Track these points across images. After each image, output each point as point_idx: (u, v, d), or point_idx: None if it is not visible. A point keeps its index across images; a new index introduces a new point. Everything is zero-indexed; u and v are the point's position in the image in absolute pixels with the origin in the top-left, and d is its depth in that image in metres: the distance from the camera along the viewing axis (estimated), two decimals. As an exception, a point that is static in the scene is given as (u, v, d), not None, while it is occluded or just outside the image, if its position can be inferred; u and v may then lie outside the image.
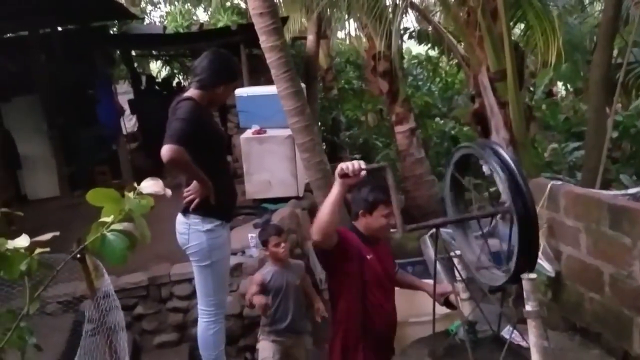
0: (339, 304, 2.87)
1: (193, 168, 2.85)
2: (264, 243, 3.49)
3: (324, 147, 7.94)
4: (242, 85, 7.59)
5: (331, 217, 2.46)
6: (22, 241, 1.33)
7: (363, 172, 2.32)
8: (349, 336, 2.83)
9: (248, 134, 6.35)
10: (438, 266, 2.79)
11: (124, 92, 10.72)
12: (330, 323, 3.06)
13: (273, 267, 3.45)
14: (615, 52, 6.55)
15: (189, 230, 3.01)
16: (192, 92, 3.01)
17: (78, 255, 1.75)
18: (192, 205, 2.94)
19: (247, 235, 4.66)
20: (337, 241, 2.63)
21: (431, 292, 2.74)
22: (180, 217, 3.06)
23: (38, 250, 1.37)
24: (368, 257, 2.83)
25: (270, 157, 6.12)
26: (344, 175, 2.34)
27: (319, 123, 9.60)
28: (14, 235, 1.45)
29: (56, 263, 1.49)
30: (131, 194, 1.41)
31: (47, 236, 1.35)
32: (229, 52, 3.21)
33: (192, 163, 2.83)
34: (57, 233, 1.36)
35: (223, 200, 3.04)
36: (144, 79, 10.45)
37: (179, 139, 2.76)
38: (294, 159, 6.09)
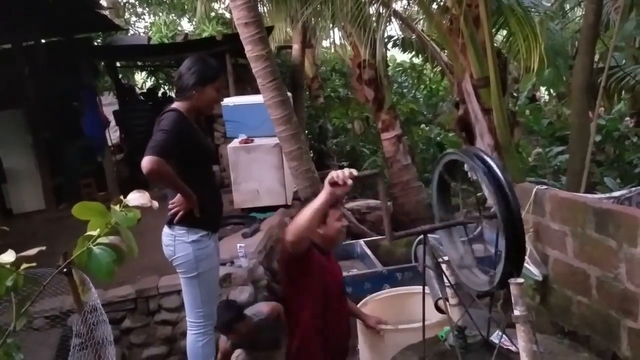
0: (299, 313, 2.84)
1: (175, 180, 2.83)
2: (225, 330, 3.33)
3: (311, 155, 7.95)
4: (228, 95, 7.60)
5: (311, 223, 2.46)
6: (8, 257, 1.32)
7: (350, 181, 2.29)
8: (308, 344, 2.85)
9: (235, 143, 6.35)
10: (429, 272, 2.80)
11: (108, 104, 10.66)
12: (288, 331, 3.07)
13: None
14: (596, 57, 6.64)
15: (174, 242, 2.98)
16: (176, 104, 3.01)
17: (64, 270, 1.74)
18: (177, 218, 2.91)
19: (236, 245, 4.64)
20: (306, 248, 2.64)
21: (367, 322, 3.11)
22: (165, 229, 3.04)
23: (24, 266, 1.36)
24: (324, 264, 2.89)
25: (258, 166, 6.12)
26: (334, 184, 2.31)
27: (306, 131, 9.61)
28: (0, 249, 1.43)
29: (43, 277, 1.48)
30: (117, 207, 1.41)
31: (33, 251, 1.34)
32: (203, 55, 3.13)
33: (173, 175, 2.80)
34: (44, 248, 1.35)
35: (209, 212, 3.01)
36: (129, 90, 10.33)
37: (160, 151, 2.74)
38: (281, 167, 6.10)
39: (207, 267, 3.05)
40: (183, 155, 2.87)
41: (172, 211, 2.91)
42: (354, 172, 2.29)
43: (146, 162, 2.71)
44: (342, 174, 2.28)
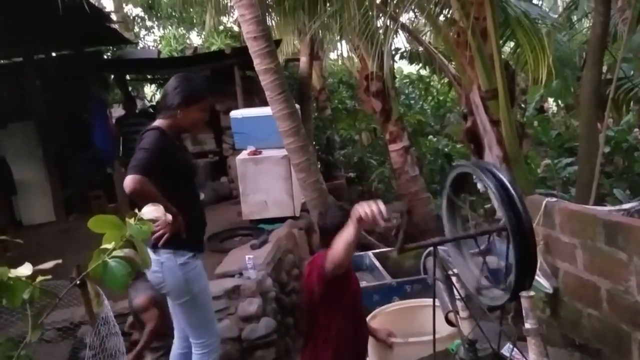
0: (329, 323, 2.89)
1: (159, 199, 2.67)
2: None
3: (319, 166, 7.97)
4: (237, 107, 7.66)
5: (348, 254, 2.60)
6: (25, 269, 1.34)
7: (381, 222, 2.33)
8: (342, 352, 2.89)
9: (244, 154, 6.38)
10: (439, 285, 2.80)
11: (118, 116, 10.73)
12: (315, 341, 3.08)
13: None
14: (604, 68, 6.65)
15: (161, 267, 2.87)
16: (158, 122, 2.95)
17: (78, 282, 1.76)
18: (162, 241, 2.78)
19: (244, 257, 4.65)
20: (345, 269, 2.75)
21: (377, 335, 3.12)
22: (150, 254, 2.93)
23: (40, 278, 1.38)
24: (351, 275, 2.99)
25: (266, 178, 6.14)
26: (361, 220, 2.38)
27: (314, 142, 9.64)
28: (10, 261, 1.45)
29: (55, 289, 1.49)
30: (132, 220, 1.43)
31: (49, 264, 1.36)
32: (189, 75, 3.06)
33: (157, 194, 2.69)
34: (60, 261, 1.37)
35: (194, 232, 2.93)
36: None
37: (142, 169, 2.67)
38: (289, 179, 6.12)
39: (199, 287, 2.97)
40: (165, 173, 2.80)
41: (157, 234, 2.76)
42: (384, 210, 2.32)
43: (129, 181, 2.64)
44: (371, 212, 2.31)
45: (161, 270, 2.87)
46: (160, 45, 11.73)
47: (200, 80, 3.07)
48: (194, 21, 13.08)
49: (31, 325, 1.41)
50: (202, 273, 3.04)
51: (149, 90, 14.00)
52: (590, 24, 6.77)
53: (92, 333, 1.91)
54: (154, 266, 2.86)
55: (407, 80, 13.01)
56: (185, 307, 2.96)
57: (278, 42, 7.79)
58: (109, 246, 1.37)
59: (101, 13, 8.05)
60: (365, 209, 2.32)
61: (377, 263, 5.61)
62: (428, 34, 8.23)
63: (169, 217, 1.51)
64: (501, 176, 2.24)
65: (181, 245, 2.85)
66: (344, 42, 8.25)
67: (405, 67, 12.96)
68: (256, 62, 5.36)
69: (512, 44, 6.94)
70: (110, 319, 2.03)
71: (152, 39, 14.84)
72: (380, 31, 5.98)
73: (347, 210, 3.13)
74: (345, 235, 2.54)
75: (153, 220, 1.44)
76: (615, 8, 6.74)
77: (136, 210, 1.45)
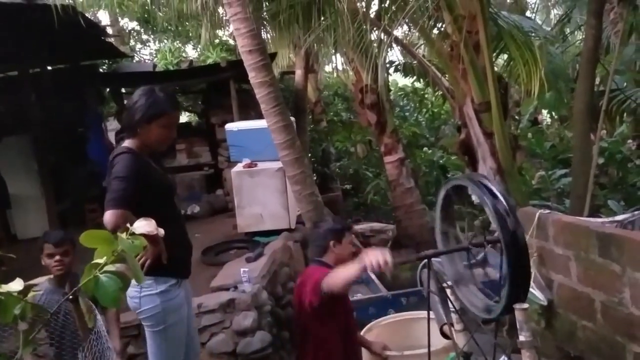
0: (324, 338, 2.95)
1: None
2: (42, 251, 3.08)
3: (315, 178, 7.98)
4: (232, 120, 7.69)
5: (344, 289, 2.81)
6: (16, 285, 1.33)
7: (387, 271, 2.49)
8: None
9: (239, 167, 6.39)
10: (434, 297, 2.80)
11: (114, 129, 10.74)
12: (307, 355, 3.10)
13: (47, 284, 2.82)
14: (597, 80, 6.70)
15: (140, 293, 2.70)
16: (127, 142, 2.78)
17: (71, 297, 1.75)
18: (145, 269, 2.48)
19: (240, 270, 4.63)
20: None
21: (372, 348, 3.17)
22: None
23: (32, 294, 1.37)
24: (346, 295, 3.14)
25: (262, 190, 6.14)
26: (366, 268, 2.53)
27: (309, 155, 9.66)
28: (4, 275, 1.45)
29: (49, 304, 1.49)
30: (124, 235, 1.43)
31: (41, 279, 1.36)
32: (151, 88, 2.82)
33: None
34: (51, 276, 1.37)
35: (177, 255, 2.67)
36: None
37: (121, 202, 2.53)
38: (285, 191, 6.12)
39: (175, 319, 2.81)
40: (143, 197, 2.62)
41: (140, 262, 2.49)
42: (390, 261, 2.44)
43: (110, 217, 2.49)
44: (377, 263, 2.45)
45: (139, 297, 2.73)
46: (156, 59, 11.73)
47: (164, 94, 2.82)
48: (190, 35, 13.12)
49: (22, 341, 1.40)
50: (182, 305, 2.87)
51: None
52: (583, 37, 6.84)
53: (85, 348, 1.91)
54: (132, 292, 2.71)
55: (402, 92, 13.08)
56: (157, 337, 2.82)
57: (273, 56, 7.83)
58: (101, 261, 1.38)
59: (97, 27, 8.07)
60: (372, 258, 2.45)
61: (372, 275, 5.60)
62: (422, 47, 8.29)
63: (162, 231, 1.50)
64: (494, 188, 2.26)
65: (163, 271, 2.61)
66: (338, 55, 8.30)
67: (399, 80, 13.02)
68: (251, 75, 5.38)
69: (505, 56, 6.99)
70: (103, 333, 2.02)
71: (148, 52, 14.87)
72: (375, 44, 6.02)
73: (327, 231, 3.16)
74: (348, 273, 2.68)
75: (145, 235, 1.44)
76: (607, 21, 6.82)
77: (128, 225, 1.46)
